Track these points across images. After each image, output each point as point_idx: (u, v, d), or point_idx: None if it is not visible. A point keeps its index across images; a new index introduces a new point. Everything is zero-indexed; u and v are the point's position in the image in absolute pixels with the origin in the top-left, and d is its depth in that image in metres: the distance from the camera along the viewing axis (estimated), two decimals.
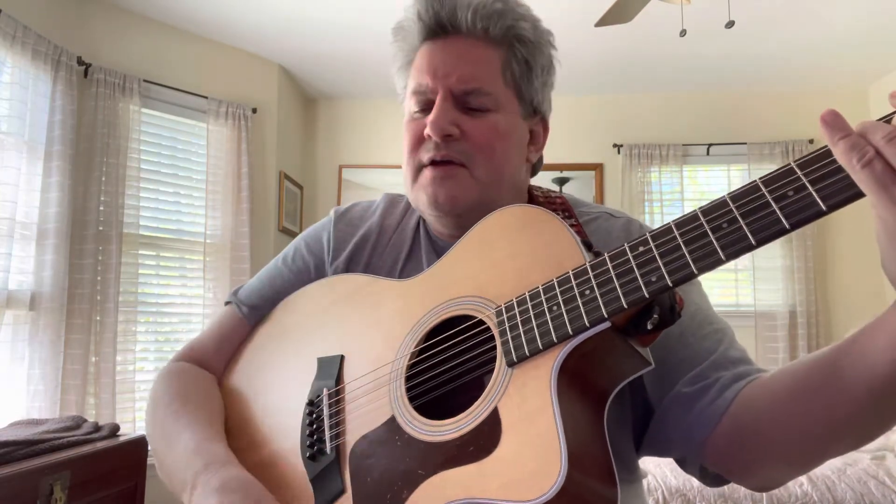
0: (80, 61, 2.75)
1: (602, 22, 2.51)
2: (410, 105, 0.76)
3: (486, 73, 0.73)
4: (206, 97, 3.22)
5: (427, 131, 0.71)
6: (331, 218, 0.88)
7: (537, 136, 0.81)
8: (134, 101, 2.94)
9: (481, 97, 0.72)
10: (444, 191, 0.72)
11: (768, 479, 0.63)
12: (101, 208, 2.80)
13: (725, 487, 2.01)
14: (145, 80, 3.01)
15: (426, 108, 0.74)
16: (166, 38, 3.18)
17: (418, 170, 0.75)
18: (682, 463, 0.69)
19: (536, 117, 0.80)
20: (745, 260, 3.70)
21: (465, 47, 0.73)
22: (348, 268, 0.82)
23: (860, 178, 0.41)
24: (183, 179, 3.21)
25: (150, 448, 0.80)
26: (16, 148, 2.41)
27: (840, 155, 0.41)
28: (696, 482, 2.03)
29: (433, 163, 0.73)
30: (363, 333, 0.72)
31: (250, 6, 3.01)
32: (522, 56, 0.75)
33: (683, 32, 2.46)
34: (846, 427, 0.54)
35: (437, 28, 0.73)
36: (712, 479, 0.67)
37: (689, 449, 0.65)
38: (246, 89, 3.46)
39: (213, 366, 0.85)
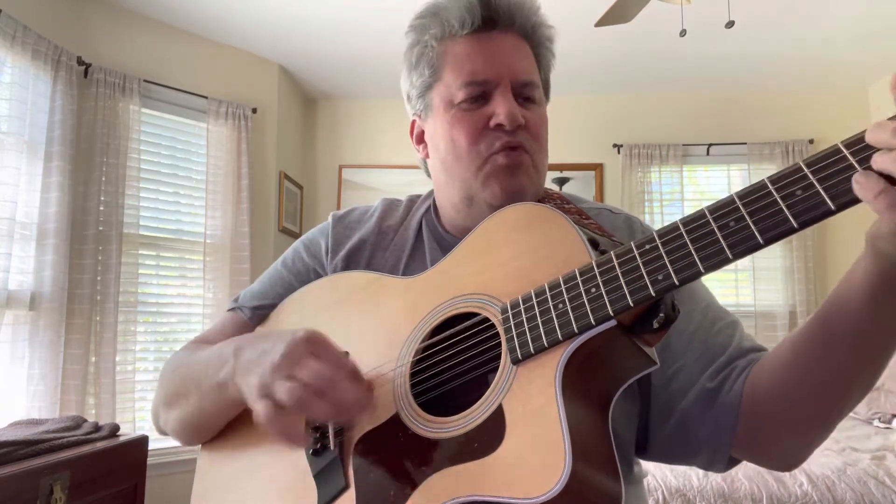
0: (80, 61, 2.75)
1: (602, 22, 2.52)
2: (457, 95, 0.74)
3: (533, 68, 0.77)
4: (206, 97, 3.22)
5: (500, 121, 0.72)
6: (329, 222, 0.88)
7: None
8: (134, 101, 2.94)
9: (534, 90, 0.76)
10: (517, 181, 0.73)
11: (790, 453, 0.65)
12: (101, 208, 2.79)
13: (725, 487, 2.01)
14: (145, 80, 3.01)
15: (481, 97, 0.74)
16: (166, 38, 3.18)
17: (484, 160, 0.73)
18: (709, 464, 0.69)
19: None
20: (745, 260, 3.70)
21: (515, 42, 0.76)
22: (347, 266, 0.82)
23: (876, 208, 0.41)
24: (183, 179, 3.21)
25: (163, 395, 0.80)
26: (16, 148, 2.40)
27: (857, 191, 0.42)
28: (696, 482, 2.03)
29: (504, 149, 0.73)
30: (367, 330, 0.72)
31: (250, 6, 3.01)
32: (547, 55, 0.80)
33: (683, 32, 2.46)
34: (846, 378, 0.58)
35: (490, 21, 0.74)
36: (728, 463, 0.69)
37: (719, 441, 0.66)
38: (246, 89, 3.46)
39: None
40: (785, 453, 0.66)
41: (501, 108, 0.72)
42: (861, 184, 0.41)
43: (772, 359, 0.64)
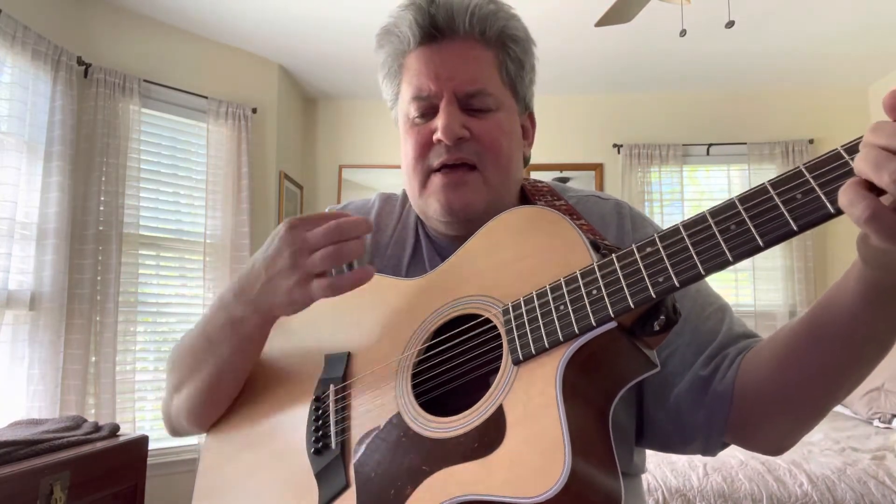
0: (80, 61, 2.75)
1: (602, 22, 2.52)
2: (410, 111, 0.75)
3: (486, 74, 0.73)
4: (206, 97, 3.22)
5: (438, 136, 0.71)
6: None
7: (528, 131, 0.83)
8: (134, 101, 2.94)
9: (485, 98, 0.73)
10: (458, 197, 0.72)
11: (778, 440, 0.66)
12: (101, 208, 2.80)
13: (725, 487, 2.01)
14: (145, 80, 3.01)
15: (428, 112, 0.74)
16: (166, 38, 3.18)
17: (427, 176, 0.74)
18: (703, 451, 0.70)
19: (526, 113, 0.82)
20: (745, 260, 3.71)
21: (464, 49, 0.73)
22: (349, 267, 0.82)
23: (866, 229, 0.40)
24: (183, 179, 3.21)
25: (172, 383, 0.81)
26: (16, 148, 2.40)
27: (844, 208, 0.40)
28: (695, 482, 2.03)
29: (443, 167, 0.73)
30: (371, 331, 0.72)
31: (250, 6, 3.01)
32: (516, 55, 0.76)
33: (683, 32, 2.47)
34: (836, 376, 0.58)
35: (433, 32, 0.73)
36: (721, 447, 0.69)
37: (713, 429, 0.67)
38: (246, 89, 3.46)
39: None
40: (773, 440, 0.67)
41: (440, 123, 0.71)
42: (842, 193, 0.40)
43: (763, 351, 0.64)
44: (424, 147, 0.74)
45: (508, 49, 0.75)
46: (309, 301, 0.64)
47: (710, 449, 0.69)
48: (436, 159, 0.73)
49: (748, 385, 0.64)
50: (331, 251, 0.62)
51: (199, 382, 0.76)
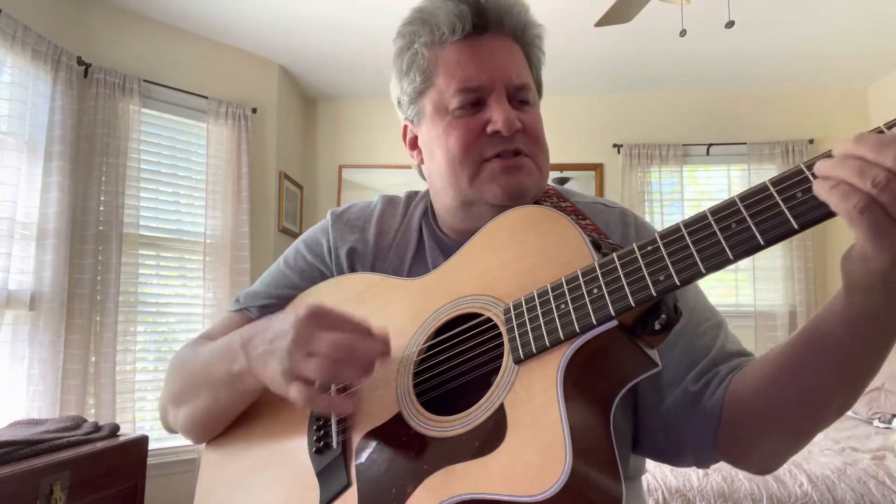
0: (80, 61, 2.75)
1: (602, 22, 2.52)
2: (451, 102, 0.74)
3: (526, 69, 0.76)
4: (206, 97, 3.22)
5: (497, 128, 0.71)
6: (328, 220, 0.88)
7: None
8: (134, 101, 2.94)
9: (527, 92, 0.75)
10: (518, 180, 0.72)
11: (766, 460, 0.66)
12: (101, 208, 2.80)
13: (725, 487, 2.01)
14: (145, 80, 3.01)
15: (474, 104, 0.73)
16: (166, 38, 3.18)
17: (479, 165, 0.73)
18: (697, 463, 0.70)
19: None
20: (745, 260, 3.70)
21: (508, 45, 0.75)
22: (351, 267, 0.82)
23: (856, 223, 0.41)
24: (183, 179, 3.21)
25: (172, 393, 0.78)
26: (16, 148, 2.40)
27: (835, 205, 0.42)
28: (695, 482, 2.03)
29: (498, 155, 0.73)
30: None
31: (250, 6, 3.01)
32: (538, 55, 0.79)
33: (683, 32, 2.47)
34: (825, 396, 0.58)
35: (480, 26, 0.74)
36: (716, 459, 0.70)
37: (702, 445, 0.67)
38: (246, 89, 3.46)
39: None
40: (758, 460, 0.67)
41: (498, 115, 0.71)
42: (834, 188, 0.42)
43: (753, 369, 0.65)
44: (475, 137, 0.73)
45: (535, 48, 0.78)
46: (285, 395, 0.62)
47: (702, 463, 0.69)
48: (490, 150, 0.72)
49: (737, 403, 0.64)
50: (326, 366, 0.59)
51: (197, 409, 0.77)
